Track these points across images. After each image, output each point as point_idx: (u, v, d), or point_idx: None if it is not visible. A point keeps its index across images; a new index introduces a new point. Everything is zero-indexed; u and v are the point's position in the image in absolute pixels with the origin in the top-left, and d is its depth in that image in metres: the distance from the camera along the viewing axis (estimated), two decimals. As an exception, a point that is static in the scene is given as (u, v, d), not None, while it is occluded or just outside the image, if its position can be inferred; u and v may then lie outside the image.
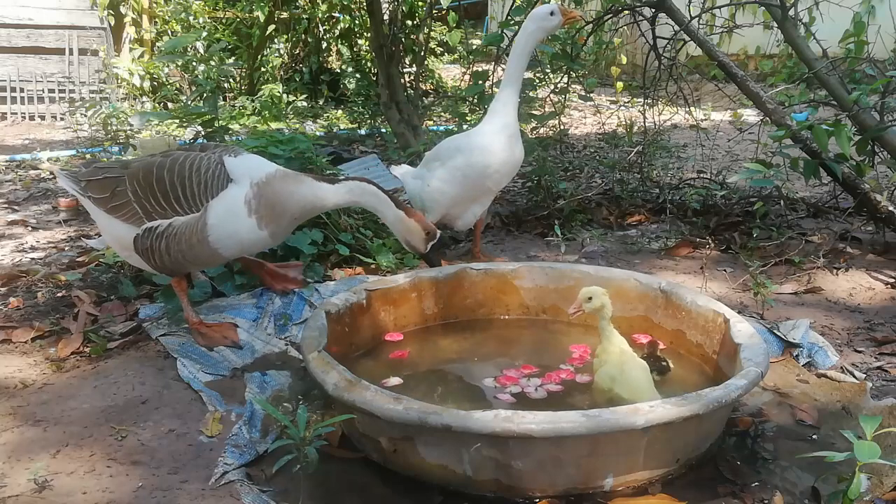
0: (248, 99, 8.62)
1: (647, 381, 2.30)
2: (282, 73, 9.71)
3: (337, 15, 9.93)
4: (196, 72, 8.32)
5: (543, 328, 2.95)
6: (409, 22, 8.55)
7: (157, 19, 9.41)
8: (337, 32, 10.04)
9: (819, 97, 4.67)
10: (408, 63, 8.58)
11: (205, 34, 8.45)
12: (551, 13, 3.30)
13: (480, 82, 4.94)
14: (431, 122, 7.70)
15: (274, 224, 2.68)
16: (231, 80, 9.30)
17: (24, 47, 8.96)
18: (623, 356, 2.34)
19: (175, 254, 2.67)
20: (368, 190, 2.72)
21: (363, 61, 9.90)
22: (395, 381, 2.50)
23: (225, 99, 9.05)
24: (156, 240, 2.66)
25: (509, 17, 5.19)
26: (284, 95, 8.82)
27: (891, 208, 3.87)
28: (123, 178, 2.70)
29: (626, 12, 5.05)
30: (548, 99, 5.41)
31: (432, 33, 9.41)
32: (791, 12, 4.25)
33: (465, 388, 2.53)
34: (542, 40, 4.26)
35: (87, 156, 6.23)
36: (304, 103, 8.84)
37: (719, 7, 5.20)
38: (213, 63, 7.86)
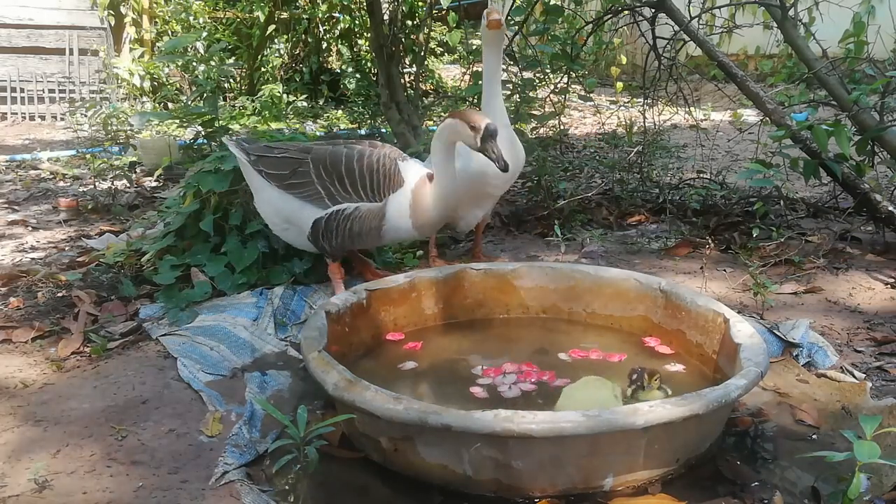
0: (248, 99, 8.62)
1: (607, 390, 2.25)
2: (282, 73, 9.71)
3: (337, 15, 9.93)
4: (196, 72, 8.32)
5: (543, 328, 2.95)
6: (409, 22, 8.54)
7: (157, 19, 9.41)
8: (337, 32, 10.04)
9: (819, 97, 4.67)
10: (408, 63, 8.57)
11: (205, 34, 8.45)
12: None
13: (480, 82, 4.93)
14: (431, 122, 7.70)
15: (420, 222, 2.99)
16: (231, 80, 9.30)
17: (24, 47, 8.96)
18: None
19: (354, 235, 2.98)
20: (434, 147, 2.89)
21: (363, 61, 9.90)
22: (410, 364, 2.60)
23: (225, 99, 9.05)
24: (343, 220, 2.95)
25: (509, 17, 5.19)
26: (284, 95, 8.82)
27: (891, 208, 3.87)
28: (307, 161, 2.97)
29: (626, 12, 5.05)
30: (548, 99, 5.41)
31: (432, 33, 9.41)
32: (791, 12, 4.25)
33: (455, 381, 2.54)
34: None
35: (87, 156, 6.22)
36: (304, 103, 8.84)
37: (719, 7, 5.20)
38: (213, 63, 7.86)
